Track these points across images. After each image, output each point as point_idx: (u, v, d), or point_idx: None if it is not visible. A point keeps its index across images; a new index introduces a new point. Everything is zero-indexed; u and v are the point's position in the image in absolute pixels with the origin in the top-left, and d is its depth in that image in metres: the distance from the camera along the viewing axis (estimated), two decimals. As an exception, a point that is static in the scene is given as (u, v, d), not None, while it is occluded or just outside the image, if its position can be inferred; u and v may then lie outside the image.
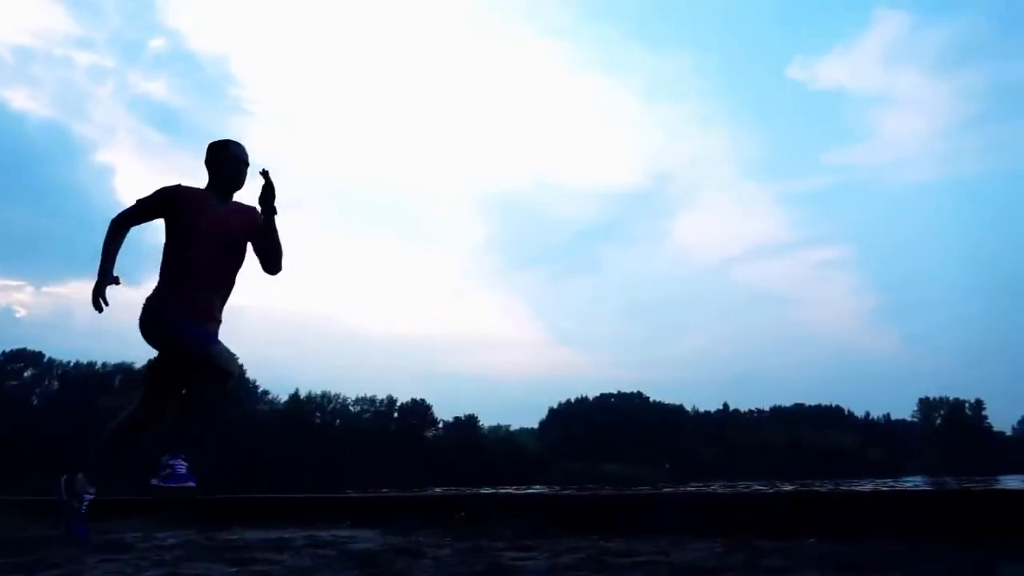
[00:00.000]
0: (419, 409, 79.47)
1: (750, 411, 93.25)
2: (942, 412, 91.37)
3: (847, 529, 2.39)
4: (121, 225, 2.99)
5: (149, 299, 2.95)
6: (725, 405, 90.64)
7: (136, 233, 3.05)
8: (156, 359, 3.02)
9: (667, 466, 69.63)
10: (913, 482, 31.74)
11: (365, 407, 79.17)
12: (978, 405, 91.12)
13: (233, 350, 2.88)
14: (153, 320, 2.90)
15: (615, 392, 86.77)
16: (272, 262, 3.11)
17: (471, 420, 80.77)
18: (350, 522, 3.27)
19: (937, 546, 2.09)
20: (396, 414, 79.13)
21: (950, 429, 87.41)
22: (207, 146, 3.13)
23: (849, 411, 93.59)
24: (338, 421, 76.09)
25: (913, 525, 2.34)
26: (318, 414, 76.20)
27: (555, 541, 2.56)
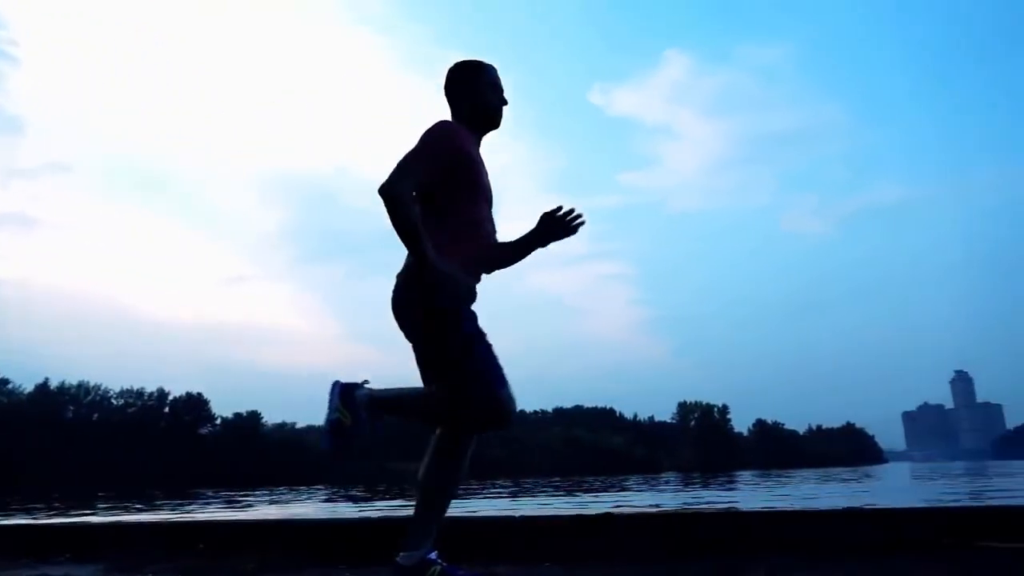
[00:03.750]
0: (194, 403, 73.57)
1: (535, 412, 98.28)
2: (696, 415, 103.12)
3: (581, 553, 2.57)
4: (412, 196, 2.14)
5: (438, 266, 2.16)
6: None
7: None
8: (444, 330, 2.20)
9: (454, 464, 71.13)
10: (667, 479, 35.52)
11: (131, 400, 71.69)
12: (724, 409, 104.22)
13: None
14: (449, 293, 2.14)
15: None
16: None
17: (253, 416, 76.39)
18: (70, 555, 2.92)
19: (653, 568, 2.31)
20: (167, 409, 72.54)
21: (702, 430, 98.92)
22: (455, 67, 2.39)
23: (620, 413, 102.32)
24: (96, 415, 67.99)
25: (639, 546, 2.58)
26: (71, 407, 67.61)
27: (298, 572, 2.48)
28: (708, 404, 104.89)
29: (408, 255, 2.19)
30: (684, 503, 10.64)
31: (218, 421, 74.82)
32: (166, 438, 66.56)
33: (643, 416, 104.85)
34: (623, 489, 18.23)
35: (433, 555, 2.18)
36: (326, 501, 16.04)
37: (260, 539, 2.76)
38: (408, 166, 2.12)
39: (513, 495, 16.08)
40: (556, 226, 2.37)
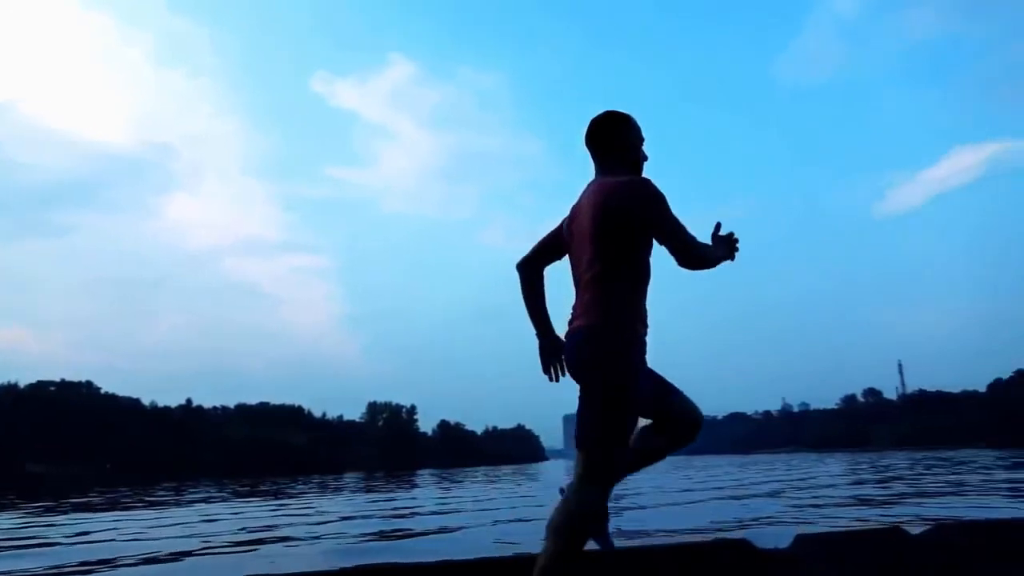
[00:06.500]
0: None
1: (214, 408, 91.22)
2: (385, 415, 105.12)
3: None
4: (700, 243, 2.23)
5: (620, 318, 2.13)
6: (189, 401, 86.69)
7: None
8: (622, 399, 2.10)
9: (108, 466, 62.73)
10: (351, 477, 35.61)
11: None
12: (412, 410, 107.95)
13: None
14: (634, 351, 2.14)
15: (58, 380, 74.41)
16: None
17: None
18: None
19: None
20: None
21: (389, 430, 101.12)
22: (612, 120, 2.32)
23: (309, 411, 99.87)
24: None
25: None
26: None
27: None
28: (397, 405, 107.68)
29: (587, 309, 2.18)
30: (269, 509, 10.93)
31: None
32: None
33: (332, 415, 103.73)
34: (288, 495, 18.00)
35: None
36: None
37: None
38: (679, 228, 2.16)
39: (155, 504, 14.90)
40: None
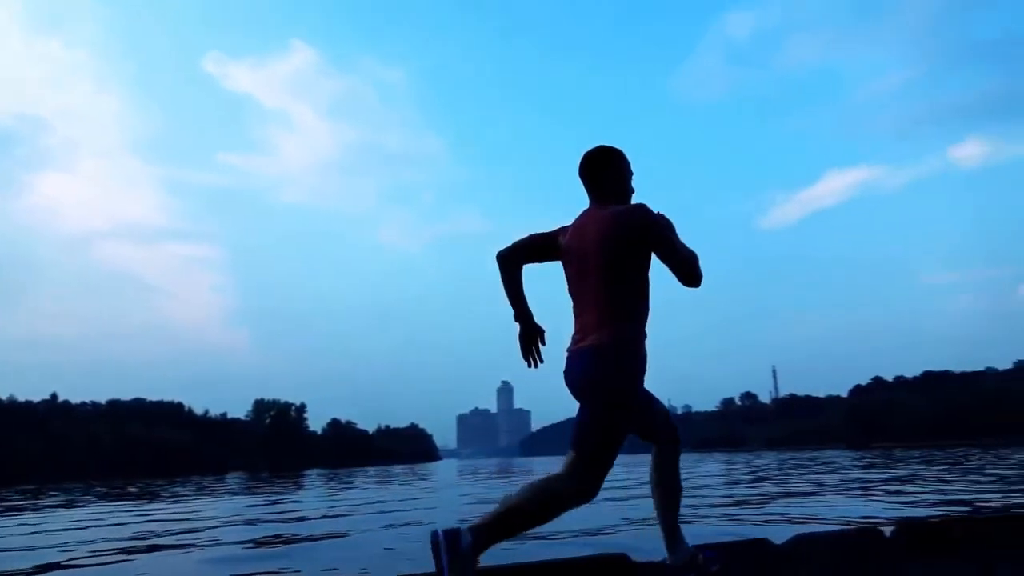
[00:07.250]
0: None
1: (83, 403, 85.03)
2: (272, 413, 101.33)
3: None
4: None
5: (627, 336, 2.28)
6: (54, 395, 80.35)
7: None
8: (624, 415, 2.27)
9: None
10: (234, 478, 34.11)
11: None
12: (302, 408, 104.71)
13: None
14: (638, 368, 2.29)
15: None
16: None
17: None
18: None
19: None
20: None
21: (276, 429, 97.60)
22: (610, 154, 2.48)
23: (189, 408, 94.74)
24: None
25: None
26: None
27: None
28: (286, 402, 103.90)
29: (595, 330, 2.26)
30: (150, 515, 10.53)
31: None
32: None
33: (215, 412, 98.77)
34: (163, 497, 17.07)
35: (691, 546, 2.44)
36: None
37: None
38: (680, 248, 2.30)
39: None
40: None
